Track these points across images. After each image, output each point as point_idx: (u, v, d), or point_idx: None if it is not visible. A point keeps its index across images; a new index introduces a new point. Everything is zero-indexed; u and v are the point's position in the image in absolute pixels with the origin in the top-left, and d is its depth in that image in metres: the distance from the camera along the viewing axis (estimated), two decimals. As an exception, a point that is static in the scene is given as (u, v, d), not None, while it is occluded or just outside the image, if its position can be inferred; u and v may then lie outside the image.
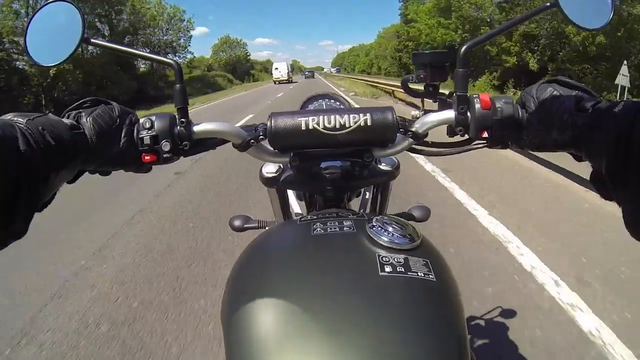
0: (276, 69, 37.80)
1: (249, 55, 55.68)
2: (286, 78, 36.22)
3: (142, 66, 25.06)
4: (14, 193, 0.30)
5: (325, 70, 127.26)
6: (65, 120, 0.40)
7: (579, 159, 0.43)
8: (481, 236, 2.23)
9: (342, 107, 0.74)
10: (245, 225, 0.78)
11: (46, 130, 0.35)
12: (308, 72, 54.11)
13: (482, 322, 1.40)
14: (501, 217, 2.45)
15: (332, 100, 0.77)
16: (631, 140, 0.32)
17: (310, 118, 0.47)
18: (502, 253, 2.03)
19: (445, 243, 2.09)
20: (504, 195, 2.91)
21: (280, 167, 0.65)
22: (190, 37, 29.98)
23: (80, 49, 0.45)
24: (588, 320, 1.47)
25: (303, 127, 0.47)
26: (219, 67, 44.95)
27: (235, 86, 35.42)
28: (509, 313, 1.45)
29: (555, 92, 0.42)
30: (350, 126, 0.47)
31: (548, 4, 0.44)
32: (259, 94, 18.91)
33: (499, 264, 1.90)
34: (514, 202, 2.75)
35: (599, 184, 0.38)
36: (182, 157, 0.48)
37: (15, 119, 0.34)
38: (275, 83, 35.08)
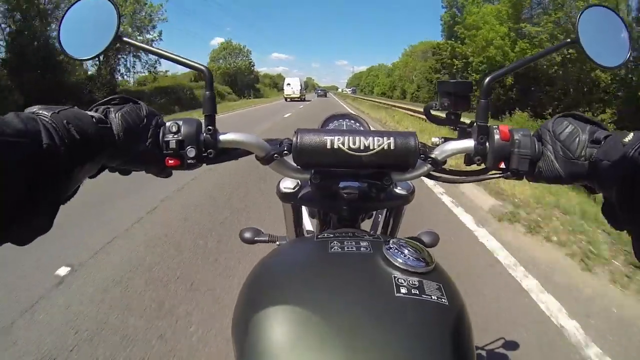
0: (288, 84, 33.68)
1: (253, 66, 46.20)
2: (298, 95, 32.27)
3: (91, 67, 17.75)
4: (36, 187, 0.30)
5: (339, 90, 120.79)
6: (92, 113, 0.41)
7: (592, 191, 0.44)
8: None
9: (361, 128, 0.75)
10: (255, 238, 0.79)
11: (71, 123, 0.35)
12: (320, 90, 52.29)
13: (484, 353, 1.35)
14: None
15: (352, 121, 0.77)
16: (639, 173, 0.33)
17: (336, 137, 0.48)
18: None
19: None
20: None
21: (298, 183, 0.65)
22: (160, 32, 21.49)
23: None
24: None
25: (328, 146, 0.47)
26: (215, 78, 28.18)
27: (227, 103, 25.70)
28: (513, 344, 1.41)
29: (570, 126, 0.44)
30: (374, 149, 0.47)
31: (569, 40, 0.46)
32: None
33: None
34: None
35: (610, 215, 0.39)
36: (204, 165, 0.49)
37: (41, 112, 0.34)
38: (286, 100, 31.30)
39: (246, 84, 42.69)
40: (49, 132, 0.32)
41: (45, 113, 0.34)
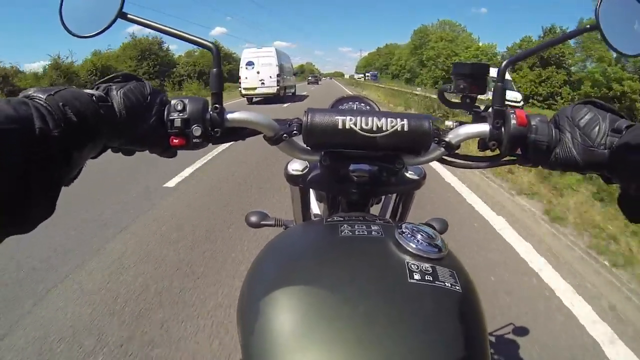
0: (248, 65, 14.51)
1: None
2: (273, 89, 14.32)
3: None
4: (31, 174, 0.29)
5: (346, 76, 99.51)
6: (93, 91, 0.39)
7: (609, 181, 0.43)
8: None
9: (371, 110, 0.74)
10: (261, 222, 0.78)
11: (67, 105, 0.33)
12: (312, 76, 46.55)
13: (492, 338, 1.38)
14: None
15: (363, 104, 0.76)
16: None
17: (348, 117, 0.46)
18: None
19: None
20: None
21: (307, 165, 0.64)
22: None
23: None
24: None
25: (340, 126, 0.46)
26: None
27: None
28: (524, 330, 1.44)
29: (590, 113, 0.43)
30: (387, 130, 0.46)
31: (589, 26, 0.45)
32: None
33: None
34: None
35: (627, 206, 0.39)
36: (210, 144, 0.47)
37: (36, 95, 0.33)
38: (249, 101, 14.45)
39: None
40: (42, 115, 0.31)
41: (40, 95, 0.33)
